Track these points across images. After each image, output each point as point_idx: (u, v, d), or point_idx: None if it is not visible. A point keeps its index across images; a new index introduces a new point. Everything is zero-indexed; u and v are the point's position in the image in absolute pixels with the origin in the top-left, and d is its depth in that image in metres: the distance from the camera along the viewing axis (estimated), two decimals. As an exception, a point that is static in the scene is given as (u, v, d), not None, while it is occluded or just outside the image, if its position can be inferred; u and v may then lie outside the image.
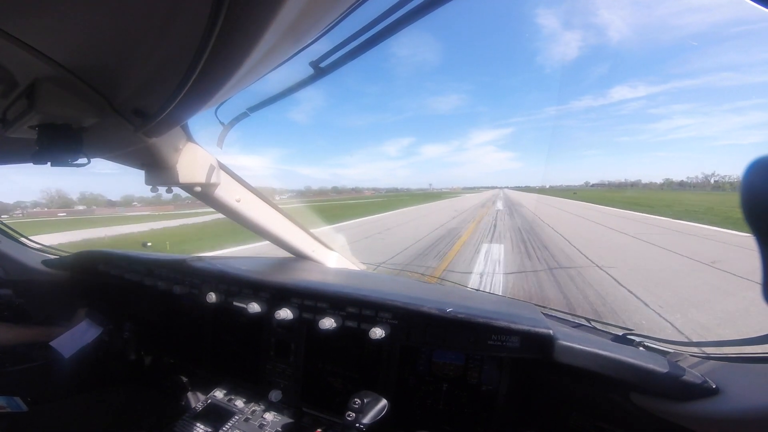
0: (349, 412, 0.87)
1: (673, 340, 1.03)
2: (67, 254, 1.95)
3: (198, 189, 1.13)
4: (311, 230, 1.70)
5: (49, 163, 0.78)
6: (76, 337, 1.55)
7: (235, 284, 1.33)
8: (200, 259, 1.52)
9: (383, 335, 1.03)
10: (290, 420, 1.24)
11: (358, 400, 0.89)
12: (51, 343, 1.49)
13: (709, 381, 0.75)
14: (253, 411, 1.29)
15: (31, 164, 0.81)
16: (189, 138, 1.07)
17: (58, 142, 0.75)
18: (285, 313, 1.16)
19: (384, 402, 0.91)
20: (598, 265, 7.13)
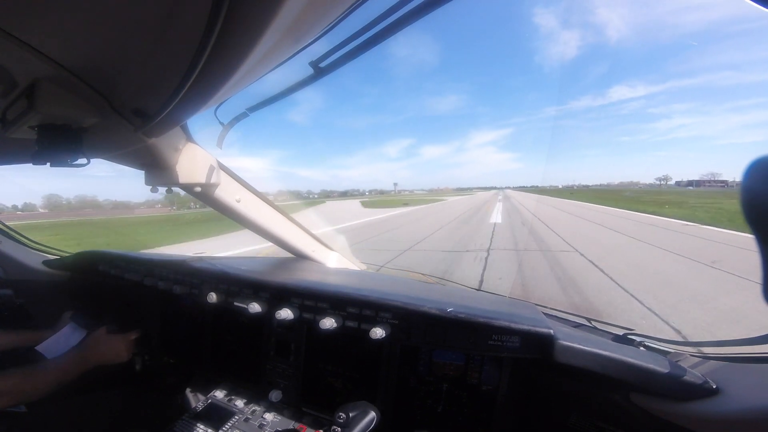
0: (335, 427, 0.83)
1: (674, 340, 1.03)
2: (67, 254, 1.95)
3: (198, 189, 1.13)
4: (311, 230, 1.70)
5: (48, 164, 0.78)
6: (60, 341, 1.54)
7: (235, 284, 1.33)
8: (200, 259, 1.52)
9: (384, 335, 1.03)
10: (290, 420, 1.24)
11: (342, 414, 0.84)
12: (37, 348, 1.47)
13: (710, 381, 0.75)
14: (253, 411, 1.28)
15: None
16: (189, 138, 1.07)
17: (57, 142, 0.75)
18: (285, 313, 1.16)
19: (373, 414, 0.87)
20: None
